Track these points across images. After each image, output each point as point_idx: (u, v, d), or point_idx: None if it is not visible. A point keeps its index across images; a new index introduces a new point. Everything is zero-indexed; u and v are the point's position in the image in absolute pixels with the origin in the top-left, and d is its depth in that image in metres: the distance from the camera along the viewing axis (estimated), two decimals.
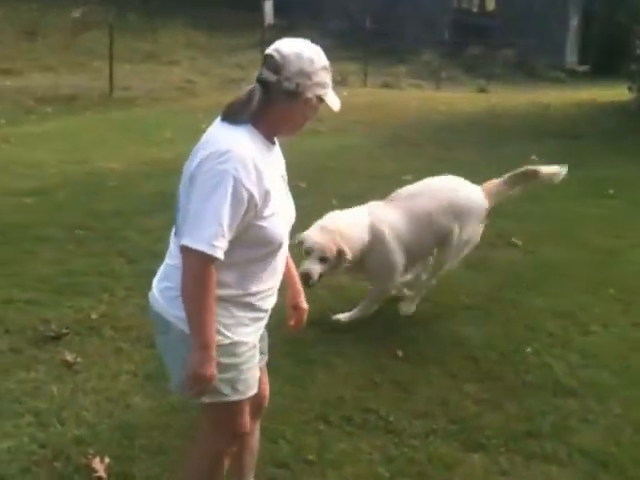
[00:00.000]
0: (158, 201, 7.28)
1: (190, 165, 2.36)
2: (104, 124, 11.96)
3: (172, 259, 2.44)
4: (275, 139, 2.49)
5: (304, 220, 6.45)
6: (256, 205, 2.31)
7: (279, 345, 3.65)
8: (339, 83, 17.92)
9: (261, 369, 2.68)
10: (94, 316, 4.79)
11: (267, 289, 2.47)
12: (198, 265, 2.27)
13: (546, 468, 3.33)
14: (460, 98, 15.57)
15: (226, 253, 2.29)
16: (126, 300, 5.06)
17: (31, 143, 10.19)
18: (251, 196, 2.29)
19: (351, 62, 19.00)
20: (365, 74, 18.21)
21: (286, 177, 2.60)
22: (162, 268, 2.52)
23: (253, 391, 2.53)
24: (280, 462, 3.32)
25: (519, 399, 3.87)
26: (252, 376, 2.51)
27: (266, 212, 2.35)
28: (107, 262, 5.69)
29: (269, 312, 2.56)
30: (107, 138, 10.75)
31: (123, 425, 3.60)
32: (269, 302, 2.52)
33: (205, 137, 2.41)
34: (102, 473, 3.24)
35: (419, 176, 8.34)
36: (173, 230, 2.50)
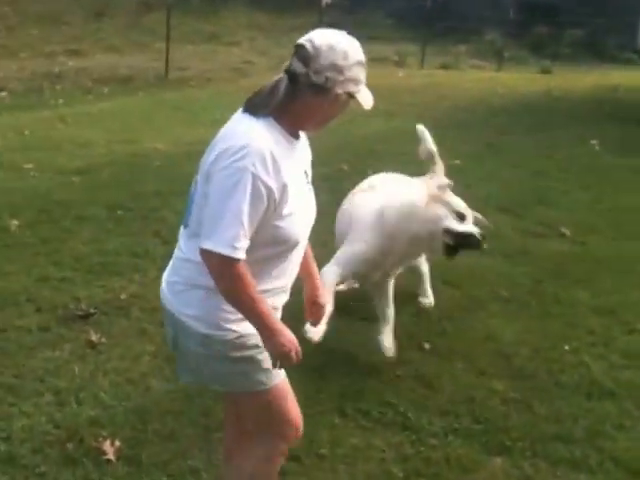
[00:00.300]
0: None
1: (207, 160, 2.26)
2: (155, 105, 12.02)
3: (181, 252, 2.38)
4: (300, 134, 2.38)
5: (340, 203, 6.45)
6: (275, 200, 2.21)
7: (299, 333, 3.59)
8: (396, 64, 17.69)
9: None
10: (123, 296, 4.79)
11: (280, 287, 2.39)
12: (223, 268, 2.19)
13: (574, 476, 3.16)
14: (521, 79, 15.12)
15: None
16: (157, 281, 4.87)
17: (84, 123, 10.31)
18: (270, 191, 2.19)
19: (411, 43, 18.69)
20: (423, 54, 17.84)
21: (310, 173, 2.47)
22: (171, 262, 2.46)
23: (277, 378, 2.45)
24: (292, 455, 3.21)
25: (550, 400, 3.69)
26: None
27: (285, 211, 2.25)
28: (142, 242, 5.69)
29: (280, 309, 2.47)
30: (156, 118, 10.80)
31: (138, 408, 3.57)
32: (280, 299, 2.43)
33: (224, 130, 2.30)
34: (111, 456, 3.22)
35: (467, 161, 8.26)
36: (183, 223, 2.41)
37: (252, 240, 2.21)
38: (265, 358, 2.34)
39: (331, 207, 6.50)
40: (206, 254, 2.19)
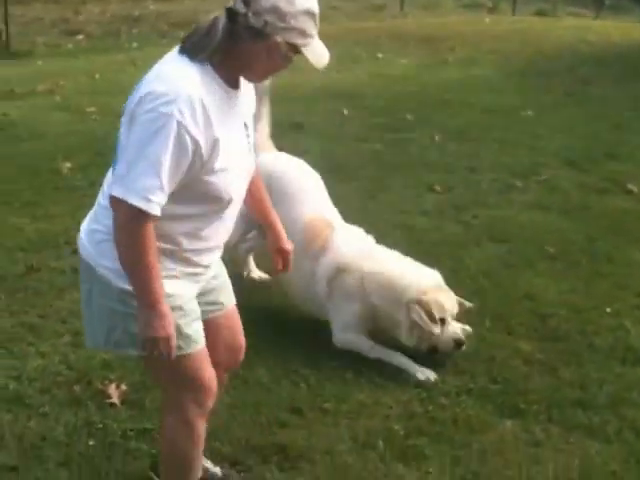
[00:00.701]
0: None
1: (132, 100, 2.05)
2: None
3: (104, 199, 2.15)
4: (242, 82, 2.18)
5: (396, 157, 6.31)
6: (202, 156, 2.03)
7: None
8: (490, 11, 17.04)
9: (229, 317, 2.49)
10: None
11: (211, 246, 2.24)
12: (130, 220, 2.00)
13: (588, 443, 2.96)
14: (617, 28, 14.23)
15: (164, 206, 2.03)
16: None
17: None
18: (196, 145, 2.00)
19: None
20: (515, 2, 17.08)
21: (251, 126, 2.29)
22: (93, 208, 2.26)
23: (198, 345, 2.27)
24: (295, 407, 3.17)
25: (579, 364, 3.48)
26: (195, 331, 2.26)
27: (217, 166, 2.07)
28: None
29: (210, 266, 2.31)
30: None
31: None
32: (209, 258, 2.27)
33: (155, 69, 2.09)
34: (115, 399, 3.24)
35: (544, 111, 7.88)
36: (111, 168, 2.21)
37: (180, 196, 2.05)
38: (186, 323, 2.20)
39: (386, 158, 6.39)
40: (114, 202, 2.01)
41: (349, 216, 5.08)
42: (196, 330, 2.27)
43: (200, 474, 2.52)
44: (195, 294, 2.29)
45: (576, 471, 2.78)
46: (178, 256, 2.18)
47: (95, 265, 2.18)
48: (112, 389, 3.28)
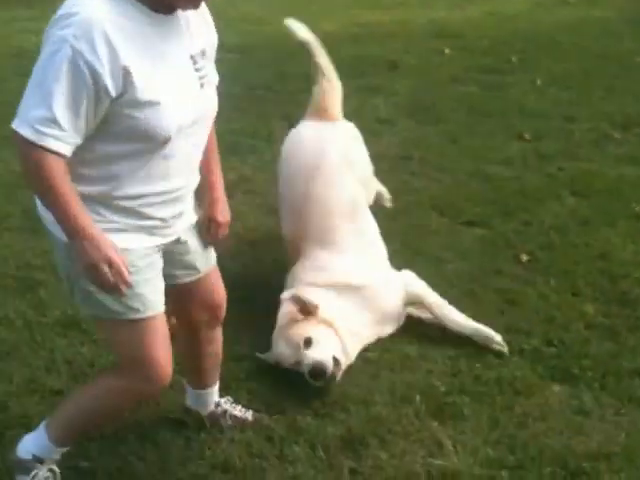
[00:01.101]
0: (352, 65, 7.06)
1: None
2: None
3: None
4: (181, 10, 1.98)
5: (490, 101, 5.99)
6: (106, 87, 1.82)
7: None
8: None
9: (206, 279, 2.39)
10: (231, 177, 4.80)
11: (153, 193, 2.04)
12: (25, 153, 1.86)
13: (638, 416, 2.80)
14: None
15: (88, 145, 1.90)
16: (269, 165, 5.02)
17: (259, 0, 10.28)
18: (95, 74, 1.80)
19: None
20: None
21: (207, 59, 2.10)
22: None
23: (155, 310, 2.13)
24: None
25: None
26: (150, 291, 2.10)
27: (141, 98, 1.86)
28: (269, 124, 5.66)
29: (169, 221, 2.14)
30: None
31: None
32: (162, 210, 2.08)
33: None
34: None
35: None
36: None
37: (106, 133, 1.90)
38: (139, 281, 2.05)
39: (479, 102, 6.12)
40: (14, 134, 1.86)
41: (426, 160, 4.97)
42: (153, 291, 2.12)
43: None
44: (154, 249, 2.13)
45: (620, 445, 2.64)
46: (121, 206, 2.02)
47: (43, 219, 2.08)
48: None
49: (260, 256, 3.86)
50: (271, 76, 6.76)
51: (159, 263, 2.16)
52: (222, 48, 7.09)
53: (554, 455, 2.61)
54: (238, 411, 2.76)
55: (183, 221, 2.22)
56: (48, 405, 2.78)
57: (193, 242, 2.30)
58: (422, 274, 3.37)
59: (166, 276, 2.23)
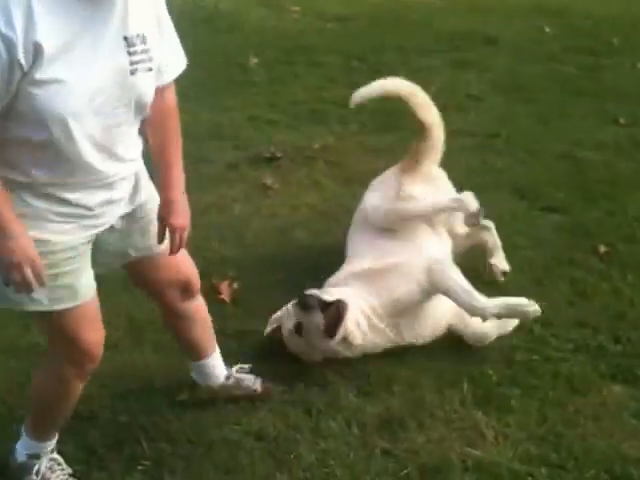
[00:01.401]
0: (449, 38, 6.89)
1: None
2: None
3: None
4: None
5: (587, 82, 5.66)
6: (20, 61, 1.70)
7: None
8: None
9: (163, 256, 2.26)
10: (316, 146, 4.80)
11: (72, 179, 1.91)
12: None
13: None
14: None
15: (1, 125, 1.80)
16: (354, 136, 4.97)
17: None
18: (11, 45, 1.68)
19: None
20: None
21: (146, 40, 1.92)
22: None
23: (79, 300, 2.04)
24: None
25: None
26: (72, 284, 2.01)
27: (40, 76, 1.73)
28: None
29: (96, 209, 2.00)
30: None
31: (271, 256, 3.61)
32: (86, 197, 1.95)
33: None
34: (225, 297, 3.31)
35: None
36: None
37: (12, 111, 1.78)
38: (61, 273, 1.96)
39: (576, 83, 5.81)
40: None
41: (513, 140, 4.77)
42: (79, 280, 2.03)
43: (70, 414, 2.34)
44: (83, 240, 2.03)
45: None
46: (42, 192, 1.91)
47: None
48: (224, 286, 3.34)
49: (331, 227, 3.80)
50: (368, 47, 6.66)
51: (88, 252, 2.06)
52: (321, 18, 7.23)
53: (600, 457, 2.46)
54: (247, 381, 2.72)
55: (114, 210, 2.08)
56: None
57: (133, 227, 2.18)
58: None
59: (117, 255, 2.19)
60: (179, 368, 2.80)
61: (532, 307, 2.80)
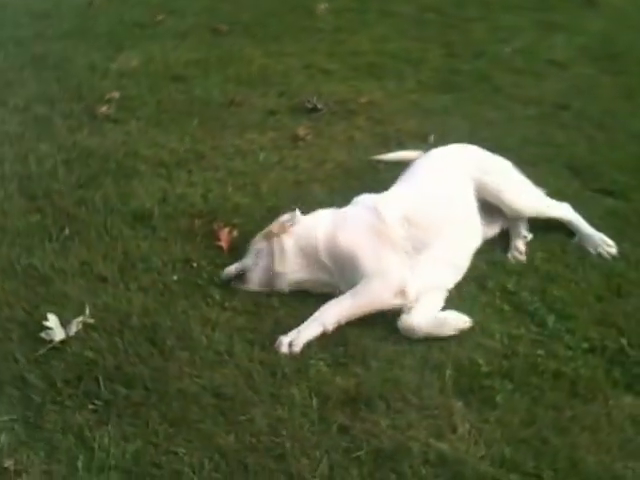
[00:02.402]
0: None
1: None
2: None
3: None
4: None
5: None
6: None
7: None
8: None
9: None
10: (362, 100, 4.59)
11: None
12: None
13: None
14: None
15: None
16: (407, 94, 4.74)
17: None
18: None
19: None
20: None
21: None
22: None
23: None
24: None
25: None
26: None
27: None
28: (426, 49, 5.33)
29: None
30: None
31: (280, 208, 3.46)
32: None
33: None
34: (223, 244, 3.21)
35: None
36: None
37: None
38: None
39: None
40: None
41: (585, 113, 4.40)
42: None
43: None
44: None
45: None
46: None
47: None
48: (224, 233, 3.25)
49: (352, 185, 3.61)
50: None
51: None
52: None
53: (586, 474, 2.22)
54: None
55: None
56: (89, 292, 2.86)
57: None
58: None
59: None
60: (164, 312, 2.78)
61: (462, 322, 2.70)
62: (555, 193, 3.50)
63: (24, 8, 6.23)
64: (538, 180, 3.47)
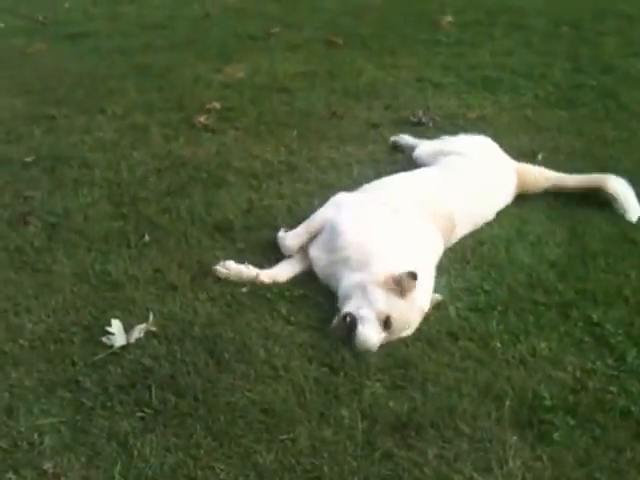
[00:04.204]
0: None
1: None
2: None
3: None
4: None
5: None
6: None
7: None
8: None
9: None
10: (472, 115, 4.60)
11: None
12: None
13: None
14: None
15: None
16: (522, 109, 4.69)
17: None
18: None
19: None
20: None
21: None
22: None
23: None
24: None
25: None
26: None
27: None
28: (551, 64, 5.25)
29: None
30: None
31: None
32: None
33: None
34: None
35: None
36: None
37: None
38: None
39: None
40: None
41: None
42: None
43: None
44: None
45: None
46: None
47: None
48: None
49: None
50: (588, 13, 6.18)
51: None
52: None
53: None
54: None
55: None
56: (157, 300, 3.01)
57: None
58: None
59: None
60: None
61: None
62: None
63: (137, 19, 6.62)
64: None
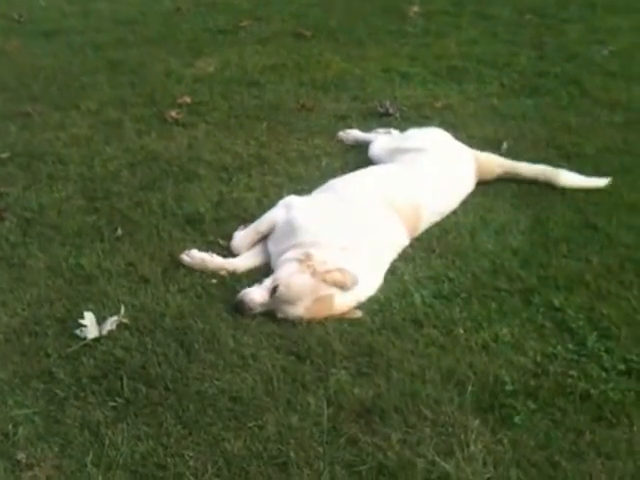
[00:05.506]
0: None
1: None
2: None
3: None
4: None
5: None
6: None
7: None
8: None
9: None
10: (438, 105, 4.61)
11: None
12: None
13: None
14: None
15: None
16: (488, 98, 4.70)
17: None
18: None
19: None
20: None
21: None
22: None
23: None
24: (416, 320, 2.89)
25: None
26: None
27: None
28: (516, 53, 5.27)
29: None
30: None
31: None
32: None
33: None
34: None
35: None
36: None
37: None
38: None
39: None
40: None
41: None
42: None
43: None
44: None
45: None
46: None
47: None
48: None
49: None
50: (552, 0, 6.21)
51: None
52: None
53: None
54: None
55: None
56: (130, 292, 3.02)
57: None
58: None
59: None
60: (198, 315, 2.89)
61: None
62: (630, 206, 3.40)
63: (109, 15, 6.58)
64: (613, 191, 3.39)
